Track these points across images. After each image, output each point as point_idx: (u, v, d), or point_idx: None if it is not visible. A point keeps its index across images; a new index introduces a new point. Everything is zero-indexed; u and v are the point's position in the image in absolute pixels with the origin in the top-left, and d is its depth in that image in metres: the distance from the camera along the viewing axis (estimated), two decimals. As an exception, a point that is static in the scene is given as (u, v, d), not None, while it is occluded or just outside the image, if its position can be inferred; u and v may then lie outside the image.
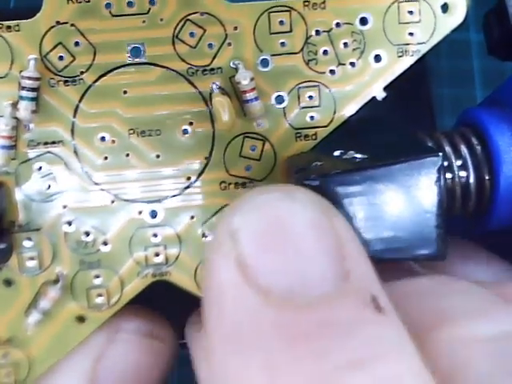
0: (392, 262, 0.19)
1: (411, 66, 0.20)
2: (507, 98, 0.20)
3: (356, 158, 0.18)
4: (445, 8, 0.20)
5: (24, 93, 0.18)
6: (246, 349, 0.13)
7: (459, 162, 0.20)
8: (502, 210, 0.19)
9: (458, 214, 0.20)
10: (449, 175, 0.19)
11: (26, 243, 0.19)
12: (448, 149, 0.20)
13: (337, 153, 0.19)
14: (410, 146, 0.19)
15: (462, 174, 0.19)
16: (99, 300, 0.20)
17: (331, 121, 0.20)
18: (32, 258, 0.19)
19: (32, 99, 0.18)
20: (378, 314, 0.13)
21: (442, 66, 0.29)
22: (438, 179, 0.17)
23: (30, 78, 0.18)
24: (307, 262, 0.13)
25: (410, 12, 0.20)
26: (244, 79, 0.19)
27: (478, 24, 0.22)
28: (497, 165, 0.19)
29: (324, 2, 0.19)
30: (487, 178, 0.19)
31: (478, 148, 0.20)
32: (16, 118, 0.19)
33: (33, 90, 0.18)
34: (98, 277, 0.20)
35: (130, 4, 0.19)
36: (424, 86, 0.27)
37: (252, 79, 0.19)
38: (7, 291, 0.19)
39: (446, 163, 0.19)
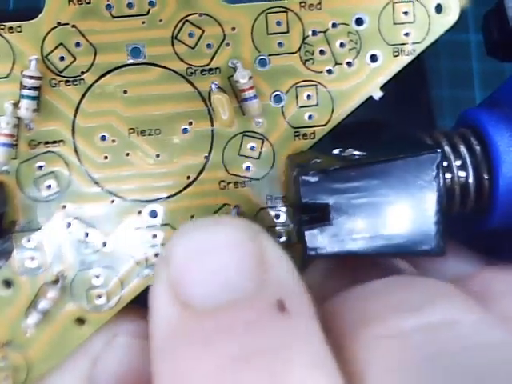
0: (390, 257, 0.19)
1: (407, 65, 0.20)
2: (506, 99, 0.20)
3: (355, 155, 0.18)
4: (438, 9, 0.20)
5: (25, 91, 0.18)
6: (163, 355, 0.14)
7: (458, 162, 0.19)
8: (501, 209, 0.19)
9: (457, 214, 0.20)
10: (448, 175, 0.19)
11: (26, 243, 0.19)
12: (447, 149, 0.20)
13: (336, 151, 0.19)
14: (410, 143, 0.19)
15: (462, 174, 0.19)
16: (99, 301, 0.19)
17: (329, 120, 0.20)
18: (32, 258, 0.19)
19: (33, 98, 0.18)
20: (279, 315, 0.14)
21: (442, 68, 0.29)
22: (437, 175, 0.17)
23: (31, 77, 0.18)
24: (223, 274, 0.14)
25: (405, 12, 0.20)
26: (242, 78, 0.19)
27: (477, 25, 0.23)
28: (496, 165, 0.19)
29: (320, 3, 0.20)
30: (486, 177, 0.19)
31: (478, 148, 0.20)
32: (17, 117, 0.19)
33: (34, 88, 0.18)
34: (97, 277, 0.19)
35: (129, 5, 0.19)
36: (423, 87, 0.27)
37: (250, 78, 0.19)
38: (7, 292, 0.19)
39: (445, 163, 0.19)
